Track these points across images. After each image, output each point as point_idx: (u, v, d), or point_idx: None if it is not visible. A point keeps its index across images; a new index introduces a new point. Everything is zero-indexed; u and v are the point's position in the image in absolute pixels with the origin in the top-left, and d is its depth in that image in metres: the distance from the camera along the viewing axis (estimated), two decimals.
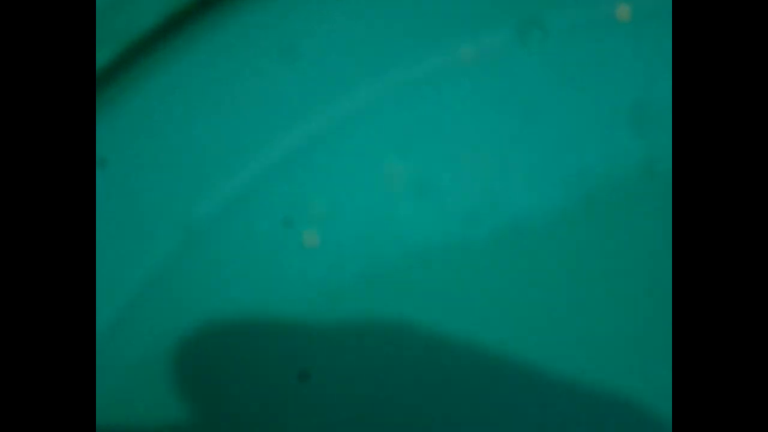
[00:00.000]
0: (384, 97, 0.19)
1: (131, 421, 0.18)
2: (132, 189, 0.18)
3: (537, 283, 0.19)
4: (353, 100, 0.19)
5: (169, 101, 0.18)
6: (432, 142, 0.19)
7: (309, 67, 0.19)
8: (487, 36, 0.20)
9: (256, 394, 0.18)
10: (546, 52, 0.20)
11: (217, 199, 0.18)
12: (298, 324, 0.18)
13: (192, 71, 0.18)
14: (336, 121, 0.19)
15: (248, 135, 0.18)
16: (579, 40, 0.20)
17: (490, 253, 0.19)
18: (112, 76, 0.18)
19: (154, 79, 0.18)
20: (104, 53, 0.17)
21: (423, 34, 0.19)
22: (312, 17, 0.19)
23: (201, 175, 0.18)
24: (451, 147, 0.19)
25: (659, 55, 0.20)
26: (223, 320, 0.18)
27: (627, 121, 0.19)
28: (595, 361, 0.18)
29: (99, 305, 0.17)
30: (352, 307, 0.18)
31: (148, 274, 0.18)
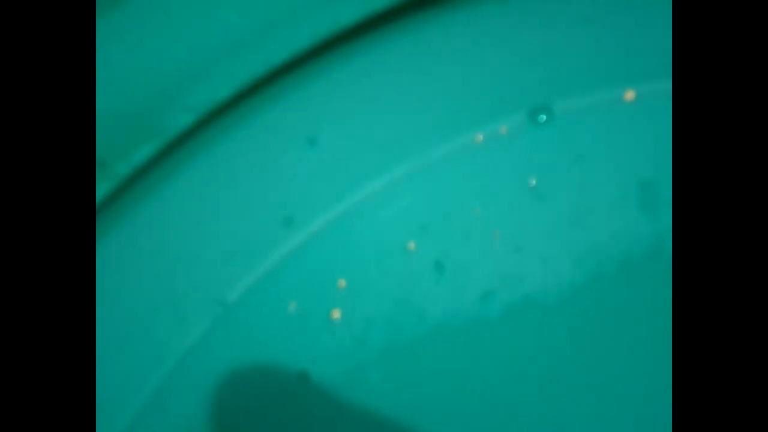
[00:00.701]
0: (403, 180, 0.20)
1: None
2: (167, 270, 0.19)
3: (548, 355, 0.20)
4: (374, 185, 0.20)
5: (204, 188, 0.20)
6: (449, 221, 0.20)
7: (330, 155, 0.20)
8: (501, 122, 0.21)
9: None
10: (556, 134, 0.21)
11: (247, 280, 0.19)
12: (323, 395, 0.19)
13: (222, 162, 0.19)
14: (359, 204, 0.20)
15: (275, 220, 0.20)
16: (587, 123, 0.21)
17: (505, 328, 0.20)
18: (152, 166, 0.19)
19: (190, 168, 0.20)
20: (146, 147, 0.19)
21: (441, 122, 0.21)
22: (333, 108, 0.20)
23: (232, 256, 0.19)
24: (467, 226, 0.20)
25: (665, 134, 0.21)
26: (252, 393, 0.19)
27: (635, 199, 0.20)
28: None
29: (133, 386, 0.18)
30: (375, 377, 0.19)
31: (182, 350, 0.19)
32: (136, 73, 0.20)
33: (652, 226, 0.20)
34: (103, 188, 0.18)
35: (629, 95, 0.21)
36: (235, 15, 0.18)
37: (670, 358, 0.18)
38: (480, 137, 0.21)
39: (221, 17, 0.18)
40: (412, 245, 0.20)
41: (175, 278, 0.19)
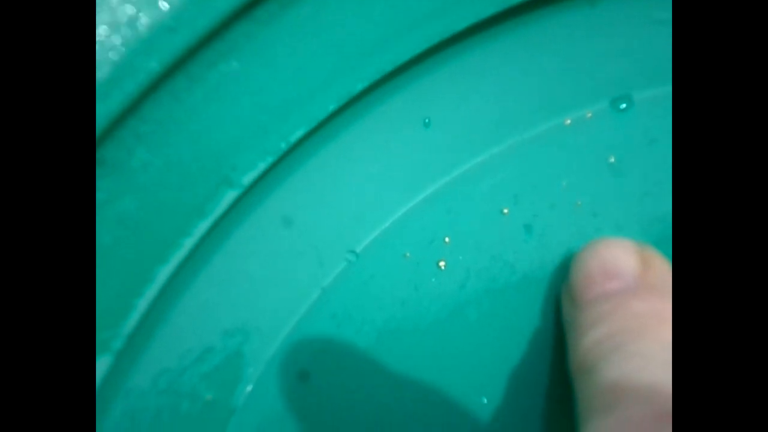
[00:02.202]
0: (501, 157, 0.25)
1: None
2: (312, 225, 0.25)
3: None
4: (476, 160, 0.25)
5: (341, 160, 0.25)
6: (539, 192, 0.25)
7: (441, 135, 0.25)
8: (587, 107, 0.25)
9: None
10: (634, 119, 0.25)
11: (373, 234, 0.25)
12: (428, 330, 0.24)
13: (355, 140, 0.24)
14: (464, 175, 0.25)
15: (396, 187, 0.25)
16: (662, 110, 0.24)
17: None
18: (303, 142, 0.25)
19: (331, 144, 0.25)
20: (301, 129, 0.24)
21: (535, 108, 0.25)
22: (444, 97, 0.24)
23: (362, 216, 0.25)
24: (554, 196, 0.25)
25: None
26: (371, 322, 0.25)
27: None
28: None
29: None
30: (472, 316, 0.24)
31: (321, 288, 0.24)
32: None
33: None
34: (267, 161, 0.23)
35: None
36: (370, 23, 0.22)
37: None
38: (568, 121, 0.25)
39: (353, 27, 0.22)
40: (506, 210, 0.25)
41: (318, 231, 0.24)
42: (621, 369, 0.18)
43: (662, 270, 0.20)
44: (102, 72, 0.18)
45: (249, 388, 0.23)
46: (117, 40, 0.18)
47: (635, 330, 0.18)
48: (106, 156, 0.19)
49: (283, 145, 0.22)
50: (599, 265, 0.20)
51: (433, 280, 0.24)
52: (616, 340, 0.18)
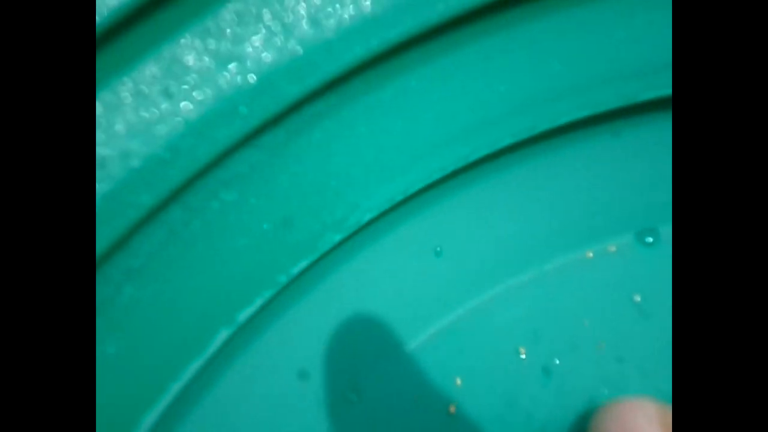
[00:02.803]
0: (519, 290, 0.23)
1: None
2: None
3: None
4: (492, 293, 0.23)
5: (347, 292, 0.23)
6: (559, 330, 0.23)
7: (453, 265, 0.23)
8: (611, 240, 0.23)
9: None
10: (661, 255, 0.23)
11: (377, 371, 0.23)
12: None
13: (360, 270, 0.23)
14: (478, 309, 0.23)
15: (405, 319, 0.23)
16: None
17: None
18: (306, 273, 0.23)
19: (341, 271, 0.23)
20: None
21: (555, 239, 0.23)
22: (456, 225, 0.23)
23: (366, 346, 0.23)
24: (576, 336, 0.23)
25: None
26: None
27: None
28: None
29: None
30: None
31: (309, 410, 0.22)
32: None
33: None
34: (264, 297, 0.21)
35: None
36: (382, 152, 0.21)
37: None
38: (590, 254, 0.23)
39: (363, 155, 0.21)
40: (523, 350, 0.23)
41: (321, 376, 0.22)
42: None
43: None
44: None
45: None
46: (109, 172, 0.17)
47: None
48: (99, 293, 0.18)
49: (284, 279, 0.21)
50: None
51: (442, 427, 0.22)
52: None
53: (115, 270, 0.18)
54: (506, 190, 0.23)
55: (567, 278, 0.23)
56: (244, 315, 0.20)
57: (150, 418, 0.19)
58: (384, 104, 0.20)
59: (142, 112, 0.17)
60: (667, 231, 0.23)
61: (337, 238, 0.21)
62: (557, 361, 0.22)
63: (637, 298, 0.23)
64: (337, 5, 0.17)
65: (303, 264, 0.21)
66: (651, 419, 0.19)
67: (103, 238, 0.17)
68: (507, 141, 0.21)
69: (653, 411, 0.19)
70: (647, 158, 0.23)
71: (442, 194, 0.23)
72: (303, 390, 0.22)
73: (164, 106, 0.17)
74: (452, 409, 0.22)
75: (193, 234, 0.19)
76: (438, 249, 0.23)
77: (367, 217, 0.21)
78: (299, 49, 0.17)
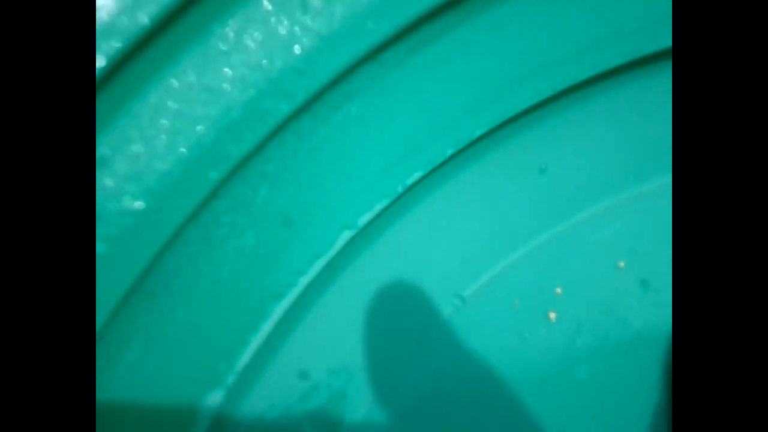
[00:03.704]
0: (619, 207, 0.24)
1: None
2: (420, 269, 0.24)
3: None
4: (593, 210, 0.24)
5: (455, 204, 0.25)
6: (657, 247, 0.24)
7: (557, 182, 0.24)
8: None
9: None
10: None
11: (482, 280, 0.24)
12: (533, 381, 0.24)
13: (467, 185, 0.24)
14: (580, 224, 0.24)
15: (508, 232, 0.24)
16: None
17: None
18: (416, 186, 0.24)
19: (442, 187, 0.25)
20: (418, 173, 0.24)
21: (656, 159, 0.24)
22: (562, 144, 0.24)
23: (470, 261, 0.24)
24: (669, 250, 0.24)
25: None
26: (471, 363, 0.24)
27: None
28: None
29: None
30: (581, 374, 0.24)
31: (427, 329, 0.24)
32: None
33: None
34: (383, 203, 0.23)
35: None
36: (495, 70, 0.22)
37: None
38: None
39: (478, 72, 0.22)
40: (622, 264, 0.24)
41: (426, 274, 0.24)
42: None
43: None
44: (234, 113, 0.18)
45: (352, 428, 0.23)
46: (249, 82, 0.19)
47: None
48: (232, 193, 0.20)
49: (400, 188, 0.22)
50: None
51: (542, 332, 0.23)
52: None
53: (253, 173, 0.20)
54: (614, 110, 0.24)
55: (667, 197, 0.24)
56: (363, 219, 0.22)
57: (279, 308, 0.21)
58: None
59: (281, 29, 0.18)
60: None
61: (450, 151, 0.23)
62: (654, 275, 0.23)
63: None
64: None
65: (417, 175, 0.23)
66: None
67: (244, 143, 0.19)
68: (619, 60, 0.22)
69: None
70: None
71: (551, 113, 0.24)
72: (408, 287, 0.23)
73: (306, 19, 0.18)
74: (552, 315, 0.24)
75: (319, 142, 0.21)
76: (543, 167, 0.24)
77: (478, 132, 0.23)
78: None
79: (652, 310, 0.23)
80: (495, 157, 0.24)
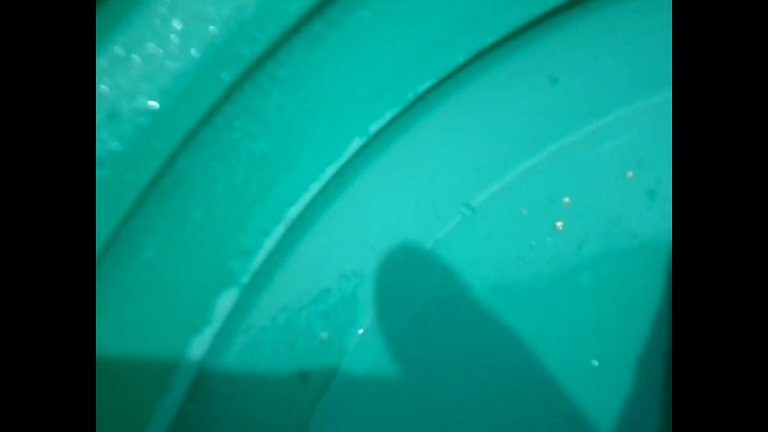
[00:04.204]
0: (628, 119, 0.24)
1: None
2: (430, 176, 0.25)
3: None
4: (603, 121, 0.24)
5: (460, 116, 0.25)
6: (665, 158, 0.24)
7: (568, 93, 0.24)
8: None
9: None
10: None
11: (491, 189, 0.24)
12: (532, 289, 0.24)
13: (475, 97, 0.24)
14: (590, 136, 0.24)
15: (518, 142, 0.24)
16: None
17: None
18: (427, 95, 0.25)
19: (450, 99, 0.25)
20: (427, 82, 0.24)
21: (665, 71, 0.24)
22: (573, 54, 0.24)
23: (479, 170, 0.25)
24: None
25: None
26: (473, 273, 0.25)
27: None
28: None
29: None
30: (586, 281, 0.24)
31: (437, 237, 0.25)
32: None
33: None
34: (393, 111, 0.23)
35: None
36: None
37: None
38: None
39: None
40: (630, 174, 0.24)
41: (436, 182, 0.25)
42: None
43: None
44: (246, 13, 0.18)
45: (361, 331, 0.24)
46: None
47: None
48: (244, 97, 0.20)
49: (411, 95, 0.22)
50: None
51: (549, 240, 0.24)
52: None
53: (265, 77, 0.20)
54: (624, 20, 0.24)
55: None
56: (374, 127, 0.22)
57: (292, 212, 0.22)
58: None
59: None
60: None
61: (461, 59, 0.23)
62: (661, 186, 0.23)
63: None
64: None
65: (428, 83, 0.23)
66: None
67: (257, 45, 0.19)
68: None
69: None
70: None
71: (563, 23, 0.24)
72: (418, 195, 0.24)
73: None
74: (559, 224, 0.24)
75: (331, 48, 0.21)
76: (554, 77, 0.24)
77: (489, 40, 0.22)
78: None
79: (659, 219, 0.23)
80: (506, 66, 0.24)
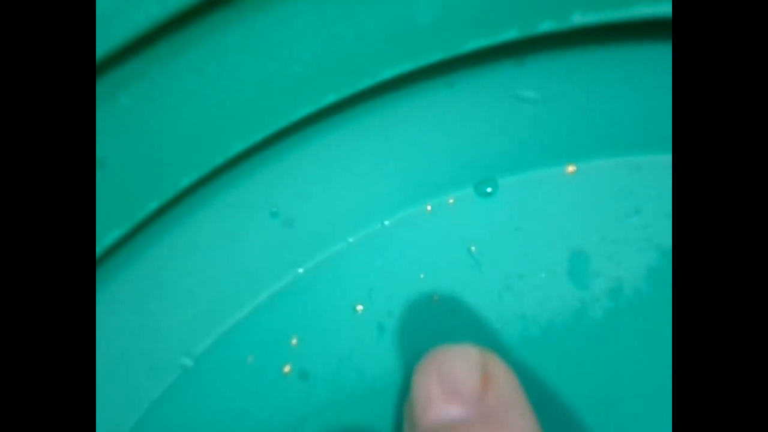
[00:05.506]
0: (356, 247, 0.23)
1: None
2: (143, 326, 0.22)
3: None
4: (328, 252, 0.23)
5: (184, 252, 0.23)
6: (395, 286, 0.22)
7: (288, 226, 0.23)
8: (449, 194, 0.23)
9: None
10: (497, 204, 0.23)
11: (213, 336, 0.22)
12: None
13: (192, 234, 0.22)
14: (314, 269, 0.22)
15: (241, 283, 0.23)
16: (528, 193, 0.23)
17: None
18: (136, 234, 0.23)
19: (168, 237, 0.23)
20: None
21: (391, 195, 0.23)
22: (292, 185, 0.23)
23: (203, 308, 0.22)
24: (410, 291, 0.22)
25: (599, 206, 0.22)
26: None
27: (565, 268, 0.22)
28: None
29: None
30: (314, 429, 0.22)
31: (154, 397, 0.22)
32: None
33: (579, 294, 0.22)
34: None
35: (570, 169, 0.22)
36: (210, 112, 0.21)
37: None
38: (429, 207, 0.23)
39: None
40: (360, 307, 0.22)
41: (151, 335, 0.22)
42: None
43: (503, 388, 0.18)
44: None
45: None
46: None
47: None
48: None
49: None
50: (438, 383, 0.18)
51: (277, 388, 0.22)
52: None
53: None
54: (341, 147, 0.23)
55: (405, 233, 0.23)
56: None
57: None
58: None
59: None
60: (505, 181, 0.23)
61: (186, 182, 0.21)
62: (391, 318, 0.22)
63: (473, 249, 0.22)
64: None
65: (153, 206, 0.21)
66: (471, 364, 0.19)
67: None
68: (332, 98, 0.21)
69: (474, 356, 0.19)
70: (484, 109, 0.23)
71: (277, 153, 0.23)
72: (131, 353, 0.21)
73: None
74: (287, 368, 0.22)
75: None
76: (274, 210, 0.23)
77: (198, 175, 0.21)
78: None
79: (386, 357, 0.22)
80: (224, 200, 0.22)
